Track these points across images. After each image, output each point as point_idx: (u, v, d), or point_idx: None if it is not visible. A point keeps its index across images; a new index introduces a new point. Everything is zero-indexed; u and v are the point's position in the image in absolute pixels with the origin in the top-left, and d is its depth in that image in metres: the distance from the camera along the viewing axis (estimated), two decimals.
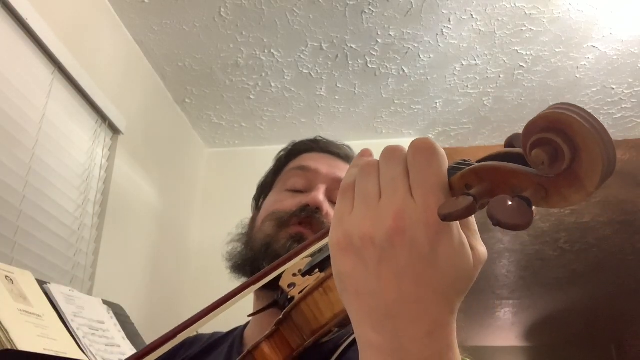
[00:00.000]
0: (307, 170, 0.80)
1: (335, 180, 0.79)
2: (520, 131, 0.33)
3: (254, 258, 0.75)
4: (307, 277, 0.57)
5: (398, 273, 0.35)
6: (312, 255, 0.58)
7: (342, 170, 0.82)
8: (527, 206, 0.30)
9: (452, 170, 0.36)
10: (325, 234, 0.51)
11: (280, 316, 0.52)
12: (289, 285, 0.59)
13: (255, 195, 0.91)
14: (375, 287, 0.36)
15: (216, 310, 0.49)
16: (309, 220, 0.74)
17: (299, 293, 0.56)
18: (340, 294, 0.39)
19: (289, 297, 0.58)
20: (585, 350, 6.16)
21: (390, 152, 0.39)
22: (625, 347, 6.00)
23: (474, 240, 0.39)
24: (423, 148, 0.37)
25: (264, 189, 0.89)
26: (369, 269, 0.36)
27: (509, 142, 0.37)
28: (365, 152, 0.44)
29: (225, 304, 0.49)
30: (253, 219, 0.86)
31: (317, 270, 0.57)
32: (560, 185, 0.31)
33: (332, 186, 0.78)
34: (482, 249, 0.39)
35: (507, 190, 0.33)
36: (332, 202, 0.78)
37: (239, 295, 0.50)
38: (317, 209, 0.74)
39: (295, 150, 0.88)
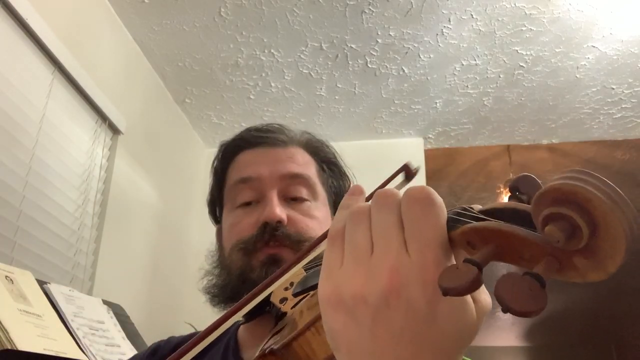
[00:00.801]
0: (250, 181, 0.75)
1: (281, 177, 0.75)
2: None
3: (233, 290, 0.72)
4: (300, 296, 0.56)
5: (394, 334, 0.33)
6: (306, 270, 0.56)
7: (283, 160, 0.77)
8: (540, 287, 0.26)
9: (452, 221, 0.33)
10: (314, 246, 0.50)
11: (274, 346, 0.50)
12: (281, 301, 0.57)
13: (209, 211, 0.86)
14: (369, 348, 0.33)
15: (215, 331, 0.48)
16: (274, 239, 0.71)
17: (292, 308, 0.55)
18: (333, 350, 0.36)
19: (281, 311, 0.57)
20: (585, 350, 6.16)
21: (383, 198, 0.35)
22: (625, 347, 6.00)
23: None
24: (419, 198, 0.33)
25: (215, 205, 0.85)
26: (362, 329, 0.33)
27: (514, 186, 0.33)
28: (356, 190, 0.40)
29: (223, 324, 0.48)
30: (219, 243, 0.82)
31: (311, 291, 0.54)
32: (576, 260, 0.28)
33: (282, 184, 0.75)
34: (485, 298, 0.36)
35: (515, 257, 0.30)
36: (289, 197, 0.75)
37: (232, 317, 0.49)
38: (278, 222, 0.71)
39: (228, 154, 0.82)
